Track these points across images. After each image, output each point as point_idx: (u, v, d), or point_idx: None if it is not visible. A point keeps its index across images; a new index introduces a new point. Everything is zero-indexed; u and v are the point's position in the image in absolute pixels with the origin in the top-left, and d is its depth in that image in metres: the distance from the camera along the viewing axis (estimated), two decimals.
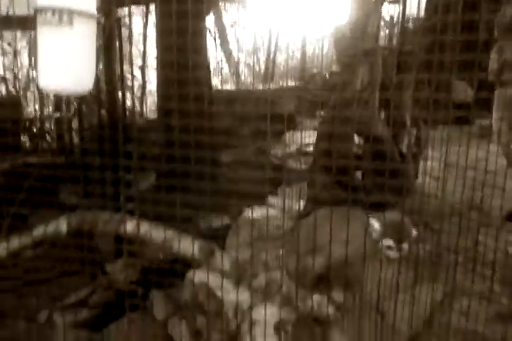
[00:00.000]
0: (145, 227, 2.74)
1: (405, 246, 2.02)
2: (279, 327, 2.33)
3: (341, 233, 1.54)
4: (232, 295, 2.65)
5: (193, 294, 2.94)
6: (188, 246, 2.74)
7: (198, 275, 2.93)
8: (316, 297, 2.13)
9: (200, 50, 5.00)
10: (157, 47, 5.16)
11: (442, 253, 2.41)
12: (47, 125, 6.58)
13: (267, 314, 2.41)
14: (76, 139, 5.25)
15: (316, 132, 3.97)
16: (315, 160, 3.40)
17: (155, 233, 2.74)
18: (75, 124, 5.41)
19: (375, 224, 2.11)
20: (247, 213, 3.45)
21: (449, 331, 2.09)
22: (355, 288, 2.08)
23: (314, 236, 1.88)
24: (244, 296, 2.66)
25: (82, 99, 5.39)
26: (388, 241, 2.06)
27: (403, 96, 3.61)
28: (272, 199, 3.60)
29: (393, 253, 2.09)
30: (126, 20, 6.15)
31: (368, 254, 1.81)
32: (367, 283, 2.05)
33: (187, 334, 2.92)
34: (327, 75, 5.62)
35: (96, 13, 1.79)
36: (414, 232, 2.04)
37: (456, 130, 3.13)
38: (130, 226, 2.74)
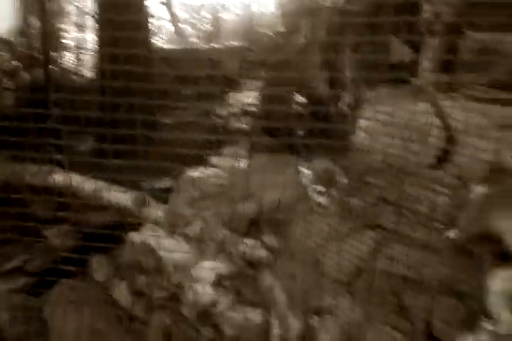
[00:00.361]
0: (76, 179, 2.66)
1: (335, 192, 2.07)
2: (218, 282, 2.37)
3: (274, 179, 1.54)
4: (172, 252, 2.66)
5: (133, 254, 2.93)
6: (120, 196, 2.70)
7: (138, 236, 2.91)
8: (249, 241, 2.17)
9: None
10: None
11: (375, 203, 2.50)
12: None
13: (207, 269, 2.43)
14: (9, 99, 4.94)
15: (259, 92, 3.94)
16: (259, 115, 3.40)
17: (86, 184, 2.66)
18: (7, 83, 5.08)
19: (306, 171, 2.13)
20: (189, 173, 3.41)
21: (380, 276, 2.19)
22: (286, 232, 2.14)
23: (247, 182, 1.88)
24: (184, 253, 2.67)
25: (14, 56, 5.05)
26: (318, 187, 2.09)
27: (343, 55, 3.61)
28: (214, 159, 3.57)
29: (323, 199, 2.13)
30: None
31: (299, 200, 1.84)
32: (298, 227, 2.10)
33: (128, 294, 2.92)
34: (272, 35, 5.52)
35: None
36: (344, 180, 2.09)
37: (393, 89, 3.19)
38: (60, 178, 2.65)
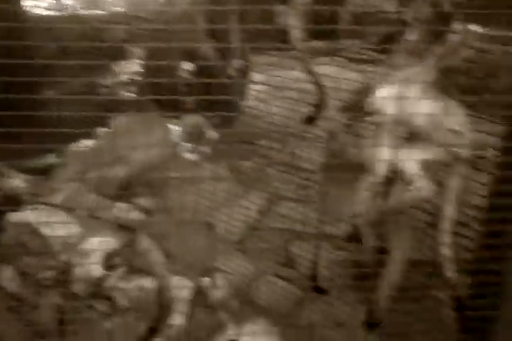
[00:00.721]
0: None
1: (206, 149, 2.06)
2: (107, 255, 2.29)
3: (142, 139, 1.48)
4: (57, 230, 2.51)
5: (15, 235, 2.73)
6: None
7: (18, 215, 2.71)
8: (121, 205, 2.12)
9: None
10: None
11: (265, 164, 2.57)
12: None
13: (95, 242, 2.34)
14: None
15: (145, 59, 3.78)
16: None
17: None
18: None
19: (176, 128, 2.09)
20: (74, 147, 3.22)
21: (270, 233, 2.27)
22: (161, 193, 2.12)
23: (115, 144, 1.80)
24: (71, 229, 2.55)
25: None
26: (188, 144, 2.06)
27: (229, 19, 3.57)
28: (101, 131, 3.40)
29: (193, 156, 2.12)
30: None
31: (169, 158, 1.81)
32: (181, 188, 2.09)
33: (15, 278, 2.73)
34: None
35: None
36: (214, 134, 2.08)
37: (280, 54, 3.23)
38: None
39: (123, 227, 2.11)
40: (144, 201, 2.10)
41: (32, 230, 2.57)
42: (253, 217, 2.33)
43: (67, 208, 2.28)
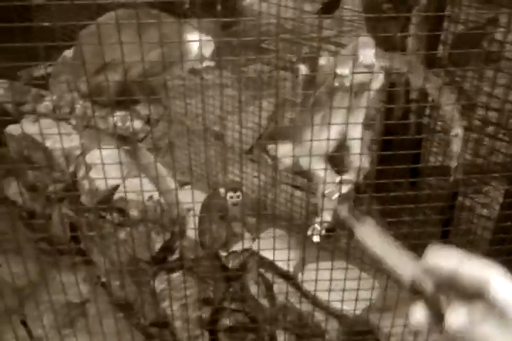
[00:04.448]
0: None
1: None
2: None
3: (143, 37, 1.25)
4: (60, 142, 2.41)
5: (18, 148, 2.65)
6: None
7: (18, 128, 2.60)
8: (120, 113, 1.97)
9: None
10: None
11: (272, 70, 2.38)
12: None
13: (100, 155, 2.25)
14: None
15: None
16: None
17: None
18: None
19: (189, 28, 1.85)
20: (66, 54, 2.98)
21: None
22: (162, 99, 1.96)
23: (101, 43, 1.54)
24: (74, 142, 2.44)
25: None
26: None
27: None
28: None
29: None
30: None
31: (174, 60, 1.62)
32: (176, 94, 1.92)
33: (23, 191, 2.71)
34: None
35: None
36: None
37: None
38: None
39: (123, 138, 1.98)
40: (144, 109, 1.94)
41: (33, 142, 2.47)
42: (261, 124, 2.19)
43: (64, 119, 2.14)
